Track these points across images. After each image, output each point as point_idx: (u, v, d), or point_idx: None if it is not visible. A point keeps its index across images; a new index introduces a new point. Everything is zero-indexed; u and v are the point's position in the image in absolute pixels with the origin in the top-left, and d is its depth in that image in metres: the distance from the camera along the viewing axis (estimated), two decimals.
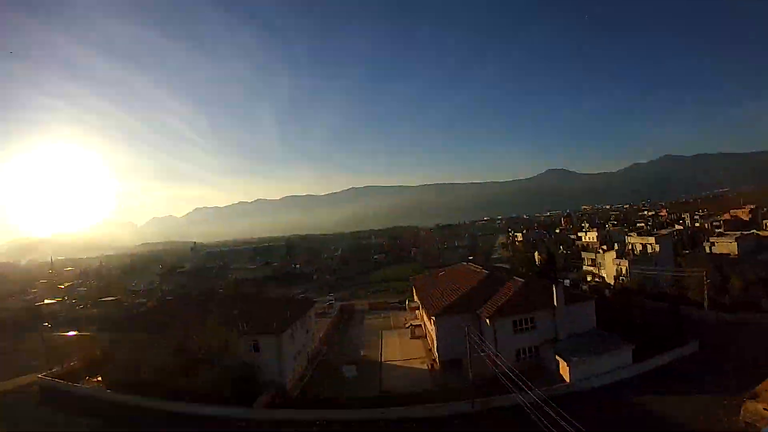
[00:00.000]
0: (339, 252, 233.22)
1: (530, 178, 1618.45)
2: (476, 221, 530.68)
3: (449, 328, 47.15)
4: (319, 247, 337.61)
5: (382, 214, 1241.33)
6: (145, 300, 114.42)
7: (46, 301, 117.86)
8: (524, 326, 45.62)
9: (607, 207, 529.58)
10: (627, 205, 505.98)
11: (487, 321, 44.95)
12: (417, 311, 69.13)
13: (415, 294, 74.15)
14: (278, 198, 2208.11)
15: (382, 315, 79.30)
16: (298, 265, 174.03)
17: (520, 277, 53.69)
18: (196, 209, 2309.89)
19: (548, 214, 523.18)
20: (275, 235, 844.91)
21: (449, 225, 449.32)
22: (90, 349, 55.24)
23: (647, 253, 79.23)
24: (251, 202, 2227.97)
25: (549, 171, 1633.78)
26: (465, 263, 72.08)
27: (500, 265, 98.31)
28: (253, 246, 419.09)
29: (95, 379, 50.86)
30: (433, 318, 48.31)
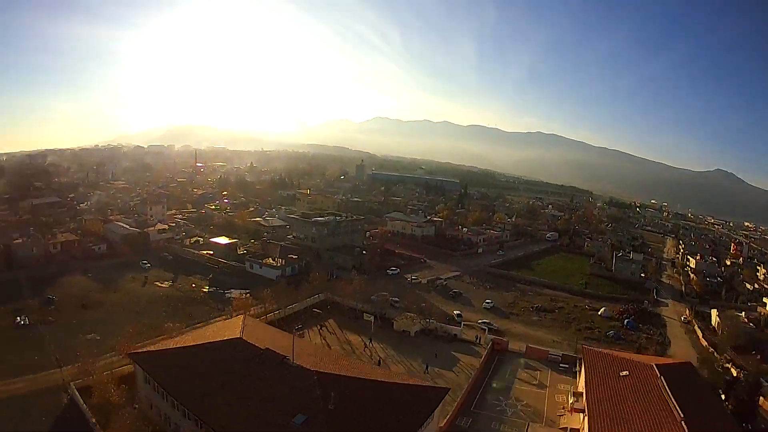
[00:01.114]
0: (513, 218, 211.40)
1: (699, 171, 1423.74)
2: (645, 206, 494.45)
3: None
4: (495, 196, 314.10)
5: (559, 166, 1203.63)
6: (262, 253, 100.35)
7: (158, 226, 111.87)
8: None
9: None
10: None
11: None
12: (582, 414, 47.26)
13: (581, 376, 53.48)
14: (465, 125, 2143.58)
15: (538, 377, 60.52)
16: (464, 228, 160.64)
17: None
18: (376, 117, 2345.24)
19: (711, 221, 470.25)
20: (454, 163, 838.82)
21: (621, 204, 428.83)
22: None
23: None
24: (437, 122, 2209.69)
25: (717, 171, 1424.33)
26: (656, 373, 44.54)
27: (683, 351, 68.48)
28: (427, 176, 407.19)
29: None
30: None
